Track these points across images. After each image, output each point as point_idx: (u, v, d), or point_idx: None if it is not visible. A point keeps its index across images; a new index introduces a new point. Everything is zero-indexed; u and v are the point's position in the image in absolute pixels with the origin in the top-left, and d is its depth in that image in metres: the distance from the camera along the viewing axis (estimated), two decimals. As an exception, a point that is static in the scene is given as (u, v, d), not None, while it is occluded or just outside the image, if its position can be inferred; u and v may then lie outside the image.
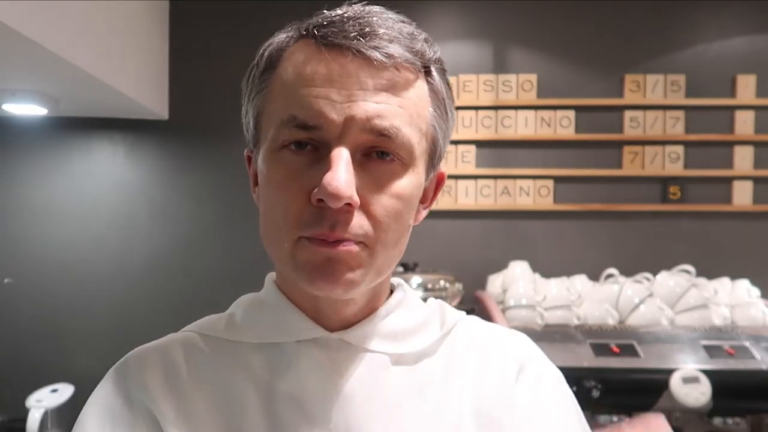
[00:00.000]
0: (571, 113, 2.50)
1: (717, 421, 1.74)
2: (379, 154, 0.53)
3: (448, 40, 2.54)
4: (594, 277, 2.31)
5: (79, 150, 2.57)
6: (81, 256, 2.55)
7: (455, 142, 2.50)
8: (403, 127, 0.53)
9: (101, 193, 2.57)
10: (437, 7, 2.54)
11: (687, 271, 2.15)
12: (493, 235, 2.53)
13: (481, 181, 2.51)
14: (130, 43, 2.19)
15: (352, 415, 0.56)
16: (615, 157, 2.52)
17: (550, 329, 1.90)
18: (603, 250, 2.50)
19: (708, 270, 2.28)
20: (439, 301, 0.69)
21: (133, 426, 0.56)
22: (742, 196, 2.49)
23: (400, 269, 2.18)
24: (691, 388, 1.64)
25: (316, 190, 0.50)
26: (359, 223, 0.52)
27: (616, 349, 1.75)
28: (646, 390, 1.69)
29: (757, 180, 2.49)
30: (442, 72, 0.58)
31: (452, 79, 2.48)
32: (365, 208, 0.53)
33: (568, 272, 2.35)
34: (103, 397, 0.58)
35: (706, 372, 1.66)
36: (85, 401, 0.59)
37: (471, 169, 2.51)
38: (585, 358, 1.72)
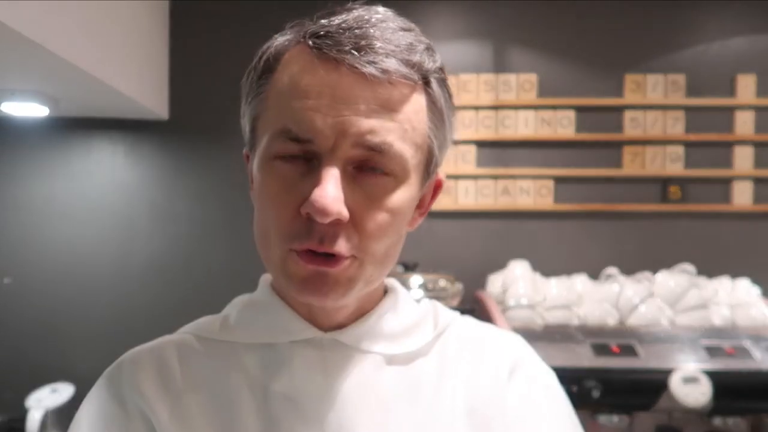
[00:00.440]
0: (572, 113, 2.50)
1: (717, 421, 1.74)
2: (371, 168, 0.53)
3: (448, 40, 2.54)
4: (594, 276, 2.31)
5: (79, 150, 2.57)
6: (81, 256, 2.55)
7: (455, 142, 2.50)
8: (395, 142, 0.52)
9: (101, 193, 2.56)
10: (437, 6, 2.54)
11: (687, 271, 2.15)
12: (493, 235, 2.53)
13: (481, 181, 2.51)
14: (130, 43, 2.19)
15: (345, 415, 0.56)
16: (615, 157, 2.52)
17: (550, 329, 1.90)
18: (603, 250, 2.50)
19: (708, 270, 2.28)
20: (433, 301, 0.69)
21: (127, 428, 0.56)
22: (742, 196, 2.49)
23: (400, 269, 2.18)
24: (691, 388, 1.64)
25: (305, 203, 0.50)
26: (349, 236, 0.52)
27: (616, 349, 1.75)
28: (646, 390, 1.69)
29: (757, 180, 2.49)
30: (442, 81, 0.57)
31: (452, 79, 2.50)
32: (356, 222, 0.52)
33: (569, 272, 2.35)
34: (97, 399, 0.58)
35: (706, 372, 1.66)
36: (85, 401, 0.59)
37: (471, 169, 2.51)
38: (585, 358, 1.72)
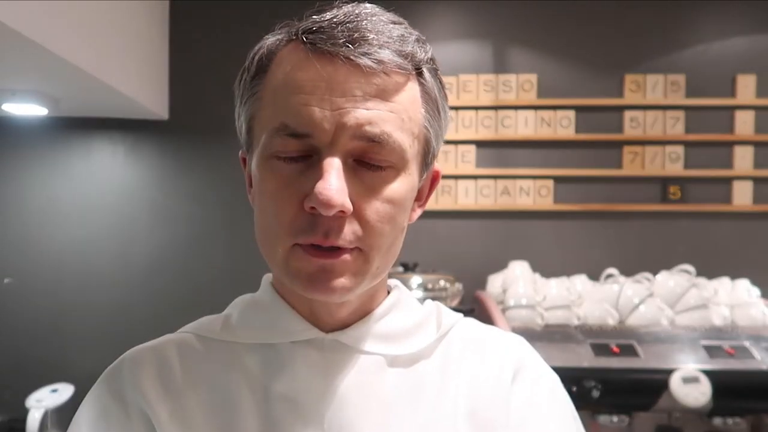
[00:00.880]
0: (571, 113, 2.50)
1: (717, 421, 1.74)
2: (370, 160, 0.53)
3: (448, 40, 2.54)
4: (594, 277, 2.31)
5: (79, 150, 2.57)
6: (81, 255, 2.55)
7: (455, 142, 2.50)
8: (394, 132, 0.52)
9: (101, 193, 2.56)
10: (437, 7, 2.54)
11: (687, 271, 2.15)
12: (493, 235, 2.53)
13: (481, 181, 2.51)
14: (130, 43, 2.19)
15: (346, 416, 0.56)
16: (615, 157, 2.52)
17: (550, 329, 1.90)
18: (603, 250, 2.50)
19: (708, 270, 2.28)
20: (436, 302, 0.68)
21: (127, 427, 0.56)
22: (742, 196, 2.49)
23: (400, 269, 2.18)
24: (691, 388, 1.64)
25: (308, 198, 0.50)
26: (352, 229, 0.52)
27: (616, 349, 1.75)
28: (646, 390, 1.69)
29: (757, 180, 2.49)
30: (434, 71, 0.58)
31: (452, 79, 2.51)
32: (358, 214, 0.52)
33: (568, 272, 2.35)
34: (97, 397, 0.58)
35: (706, 372, 1.66)
36: (85, 401, 0.59)
37: (471, 169, 2.51)
38: (585, 358, 1.72)
